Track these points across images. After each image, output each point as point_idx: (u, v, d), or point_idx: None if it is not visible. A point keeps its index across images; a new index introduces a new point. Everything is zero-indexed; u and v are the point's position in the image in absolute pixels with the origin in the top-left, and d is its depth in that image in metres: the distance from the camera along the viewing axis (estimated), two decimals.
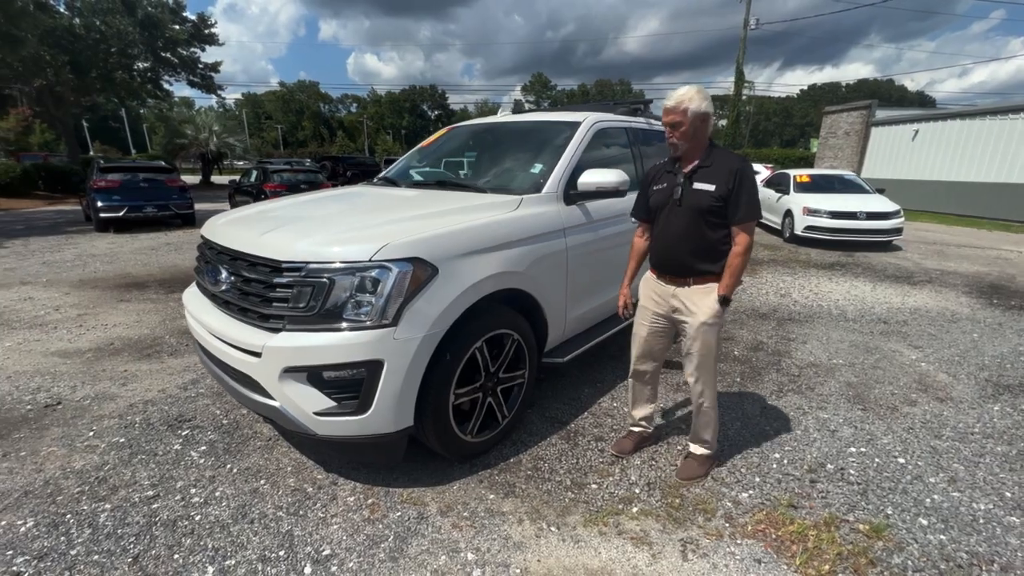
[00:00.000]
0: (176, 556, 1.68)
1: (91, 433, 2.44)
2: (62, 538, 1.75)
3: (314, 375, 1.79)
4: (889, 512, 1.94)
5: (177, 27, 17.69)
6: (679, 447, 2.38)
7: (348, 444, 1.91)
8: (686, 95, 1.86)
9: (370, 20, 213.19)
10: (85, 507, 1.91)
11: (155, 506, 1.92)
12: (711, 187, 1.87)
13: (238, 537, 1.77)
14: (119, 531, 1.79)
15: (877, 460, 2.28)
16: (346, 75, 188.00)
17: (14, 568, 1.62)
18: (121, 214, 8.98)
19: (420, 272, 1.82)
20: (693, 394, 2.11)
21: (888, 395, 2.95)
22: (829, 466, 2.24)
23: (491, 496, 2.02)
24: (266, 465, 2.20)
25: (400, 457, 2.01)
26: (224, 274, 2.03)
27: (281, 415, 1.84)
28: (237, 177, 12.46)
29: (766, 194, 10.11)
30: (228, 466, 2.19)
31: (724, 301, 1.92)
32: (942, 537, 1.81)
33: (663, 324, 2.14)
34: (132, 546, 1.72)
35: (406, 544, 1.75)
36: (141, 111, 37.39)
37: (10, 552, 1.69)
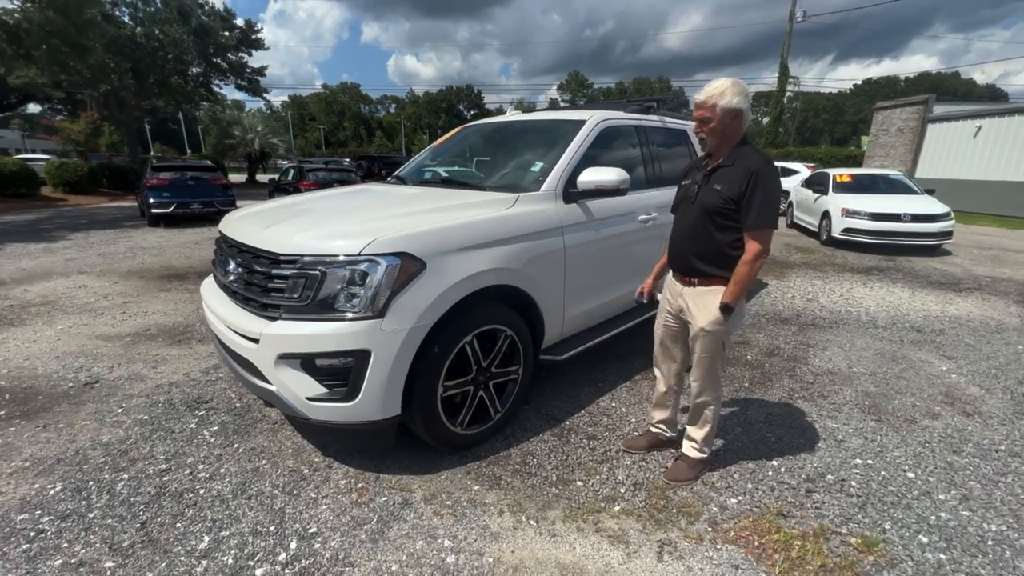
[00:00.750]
0: (178, 525, 1.82)
1: (120, 410, 2.65)
2: (83, 502, 1.93)
3: (307, 362, 1.89)
4: (887, 527, 1.85)
5: (227, 34, 18.74)
6: (675, 451, 2.35)
7: (340, 430, 2.00)
8: (717, 89, 1.79)
9: (410, 22, 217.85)
10: (106, 476, 2.09)
11: (166, 479, 2.08)
12: (723, 187, 1.80)
13: (235, 511, 1.89)
14: (132, 499, 1.95)
15: (883, 473, 2.18)
16: (386, 76, 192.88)
17: (40, 526, 1.80)
18: (170, 210, 9.60)
19: (408, 267, 1.88)
20: (691, 393, 2.08)
21: (908, 407, 2.79)
22: (829, 477, 2.15)
23: (476, 487, 2.07)
24: (269, 446, 2.33)
25: (390, 444, 2.09)
26: (232, 265, 2.17)
27: (277, 399, 1.96)
28: (276, 176, 13.06)
29: (803, 195, 9.69)
30: (235, 446, 2.33)
31: (725, 309, 1.83)
32: (942, 556, 1.72)
33: (675, 324, 2.11)
34: (142, 513, 1.87)
35: (388, 527, 1.82)
36: (197, 114, 39.79)
37: (38, 512, 1.87)
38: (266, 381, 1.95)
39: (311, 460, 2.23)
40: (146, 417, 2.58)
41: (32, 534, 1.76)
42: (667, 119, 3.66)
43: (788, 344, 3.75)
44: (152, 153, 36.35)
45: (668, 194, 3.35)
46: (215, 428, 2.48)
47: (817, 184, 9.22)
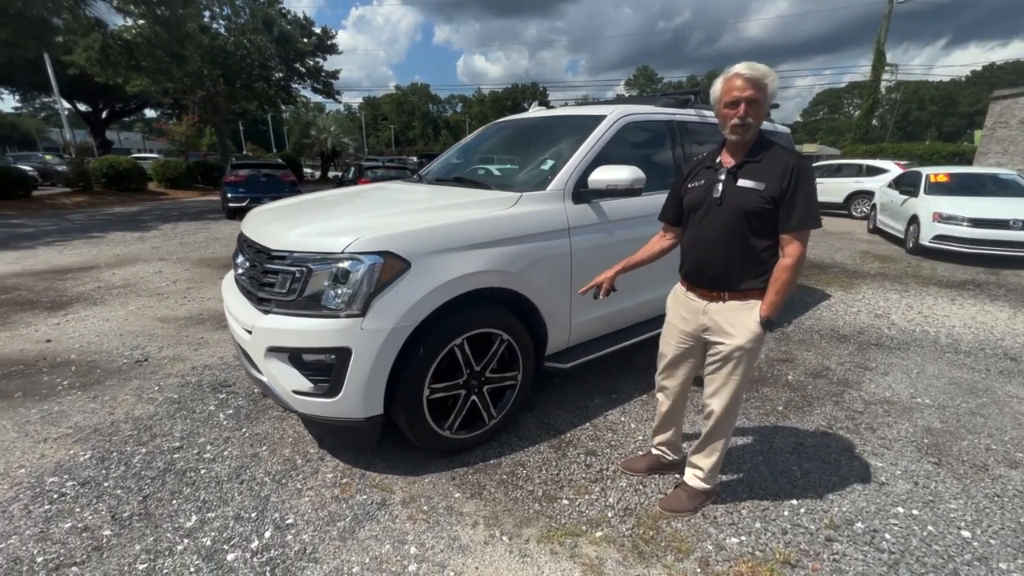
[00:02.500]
0: (174, 501, 1.93)
1: (156, 388, 2.90)
2: (103, 471, 2.12)
3: (295, 356, 1.93)
4: None
5: (305, 40, 20.17)
6: (676, 473, 2.15)
7: (327, 424, 2.03)
8: (767, 70, 1.58)
9: (480, 23, 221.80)
10: (128, 448, 2.29)
11: (176, 456, 2.23)
12: (760, 185, 1.59)
13: (226, 494, 1.98)
14: (143, 472, 2.11)
15: (931, 528, 1.84)
16: (455, 76, 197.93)
17: (63, 490, 2.00)
18: (245, 204, 10.46)
19: (391, 266, 1.86)
20: (704, 416, 1.87)
21: (980, 450, 2.36)
22: (859, 525, 1.86)
23: (457, 494, 2.01)
24: (273, 433, 2.43)
25: (373, 442, 2.09)
26: (241, 259, 2.27)
27: (268, 389, 2.02)
28: (340, 173, 13.83)
29: (890, 196, 8.63)
30: (243, 430, 2.46)
31: (768, 324, 1.64)
32: None
33: (691, 345, 1.87)
34: (147, 487, 2.02)
35: (360, 527, 1.82)
36: (284, 115, 43.24)
37: (65, 476, 2.08)
38: (259, 371, 2.02)
39: (306, 451, 2.29)
40: (175, 396, 2.79)
41: (55, 496, 1.96)
42: (706, 113, 3.37)
43: (841, 365, 3.32)
44: (245, 151, 40.11)
45: None
46: (230, 411, 2.63)
47: (907, 184, 8.15)
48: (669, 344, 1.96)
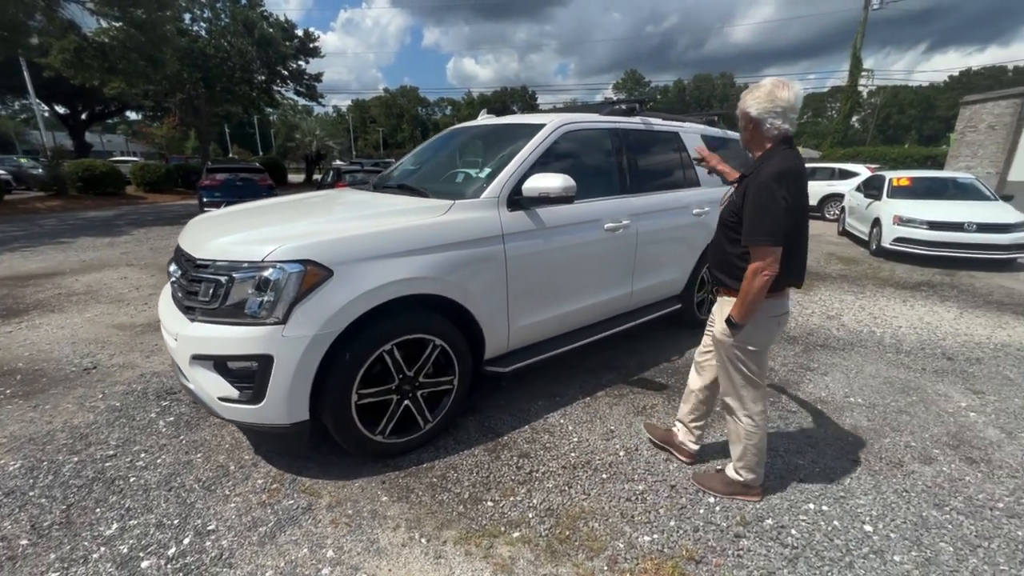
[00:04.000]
0: (98, 510, 1.94)
1: (100, 396, 2.89)
2: (30, 480, 2.11)
3: (220, 363, 1.96)
4: None
5: (287, 43, 20.08)
6: (603, 475, 2.20)
7: (256, 430, 2.06)
8: (747, 92, 1.75)
9: (469, 26, 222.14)
10: (60, 457, 2.28)
11: (108, 464, 2.24)
12: (737, 198, 1.78)
13: (151, 501, 1.99)
14: (71, 481, 2.11)
15: (836, 523, 1.92)
16: (445, 79, 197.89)
17: None
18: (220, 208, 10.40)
19: (313, 273, 1.89)
20: (722, 408, 2.06)
21: (900, 447, 2.45)
22: (768, 522, 1.93)
23: (384, 498, 2.05)
24: (211, 440, 2.44)
25: (303, 447, 2.12)
26: (174, 267, 2.29)
27: (196, 396, 2.04)
28: (319, 176, 13.77)
29: (856, 199, 8.83)
30: (181, 437, 2.46)
31: (728, 323, 1.80)
32: None
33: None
34: (73, 495, 2.02)
35: (281, 531, 1.85)
36: (272, 118, 42.89)
37: None
38: (186, 378, 2.04)
39: (241, 457, 2.30)
40: (118, 404, 2.79)
41: None
42: (653, 121, 3.46)
43: (784, 366, 3.41)
44: (231, 154, 39.67)
45: (646, 201, 3.21)
46: (171, 419, 2.63)
47: (872, 188, 8.37)
48: (710, 328, 2.12)
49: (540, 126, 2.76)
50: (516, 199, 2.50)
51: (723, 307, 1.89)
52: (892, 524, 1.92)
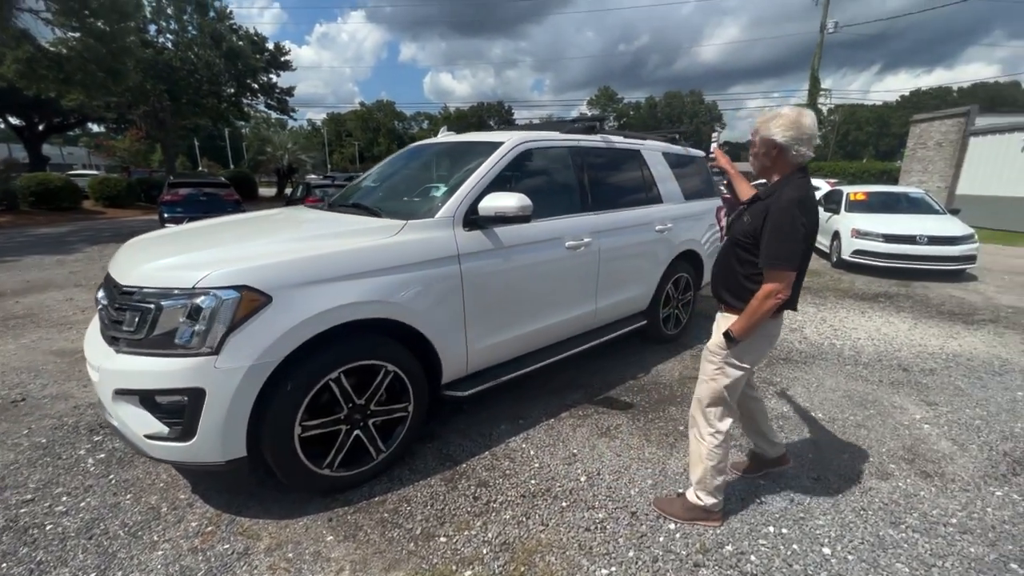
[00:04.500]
0: (3, 564, 1.75)
1: (26, 432, 2.66)
2: None
3: (147, 398, 1.81)
4: None
5: (257, 56, 19.78)
6: (562, 503, 2.12)
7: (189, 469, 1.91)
8: (768, 118, 1.77)
9: (446, 42, 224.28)
10: None
11: (23, 510, 2.04)
12: (749, 220, 1.80)
13: (67, 552, 1.81)
14: None
15: (795, 547, 1.89)
16: (422, 94, 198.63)
17: None
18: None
19: (250, 299, 1.78)
20: (688, 424, 2.04)
21: (857, 463, 2.46)
22: (728, 548, 1.88)
23: (329, 538, 1.92)
24: (144, 479, 2.26)
25: (244, 484, 1.98)
26: (102, 293, 2.13)
27: (121, 434, 1.88)
28: (289, 191, 13.48)
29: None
30: (111, 476, 2.28)
31: (726, 337, 1.81)
32: None
33: None
34: None
35: None
36: (244, 131, 42.06)
37: None
38: (109, 415, 1.88)
39: (176, 497, 2.14)
40: (44, 440, 2.57)
41: None
42: (614, 139, 3.48)
43: None
44: (200, 167, 38.59)
45: (608, 218, 3.20)
46: (102, 456, 2.44)
47: (832, 202, 8.67)
48: None
49: (498, 144, 2.73)
50: (473, 218, 2.44)
51: (721, 323, 1.91)
52: (850, 546, 1.90)
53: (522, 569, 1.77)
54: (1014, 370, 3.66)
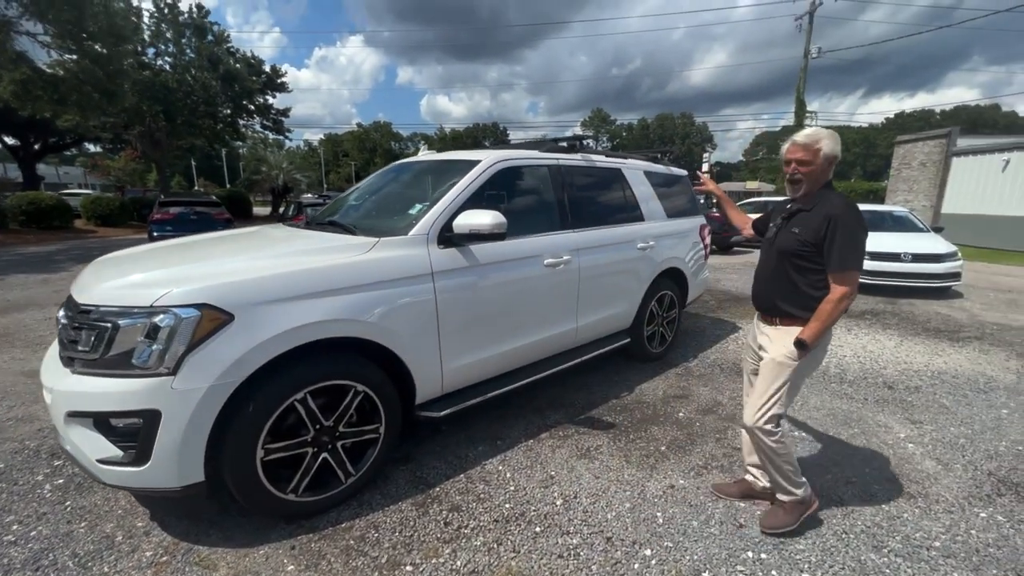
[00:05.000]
0: None
1: None
2: None
3: (100, 421, 1.75)
4: None
5: (253, 78, 20.09)
6: (536, 528, 2.05)
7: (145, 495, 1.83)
8: (820, 134, 1.86)
9: (442, 65, 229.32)
10: None
11: None
12: (801, 231, 1.86)
13: None
14: None
15: (774, 573, 1.82)
16: (419, 115, 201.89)
17: None
18: None
19: (211, 318, 1.74)
20: (753, 438, 2.01)
21: (841, 483, 2.40)
22: (705, 575, 1.81)
23: (290, 567, 1.83)
24: (101, 505, 2.17)
25: (204, 510, 1.90)
26: (62, 312, 2.08)
27: (74, 459, 1.81)
28: (281, 209, 13.51)
29: None
30: (67, 503, 2.18)
31: (799, 344, 1.84)
32: None
33: (756, 361, 2.11)
34: None
35: None
36: (241, 151, 42.40)
37: None
38: (61, 438, 1.82)
39: (132, 524, 2.05)
40: (2, 466, 2.48)
41: None
42: (594, 157, 3.51)
43: (732, 400, 3.38)
44: (197, 187, 38.73)
45: (588, 235, 3.20)
46: (60, 482, 2.34)
47: None
48: (747, 361, 2.22)
49: (475, 163, 2.73)
50: (448, 236, 2.43)
51: (782, 336, 1.92)
52: (831, 571, 1.83)
53: None
54: (999, 387, 3.64)
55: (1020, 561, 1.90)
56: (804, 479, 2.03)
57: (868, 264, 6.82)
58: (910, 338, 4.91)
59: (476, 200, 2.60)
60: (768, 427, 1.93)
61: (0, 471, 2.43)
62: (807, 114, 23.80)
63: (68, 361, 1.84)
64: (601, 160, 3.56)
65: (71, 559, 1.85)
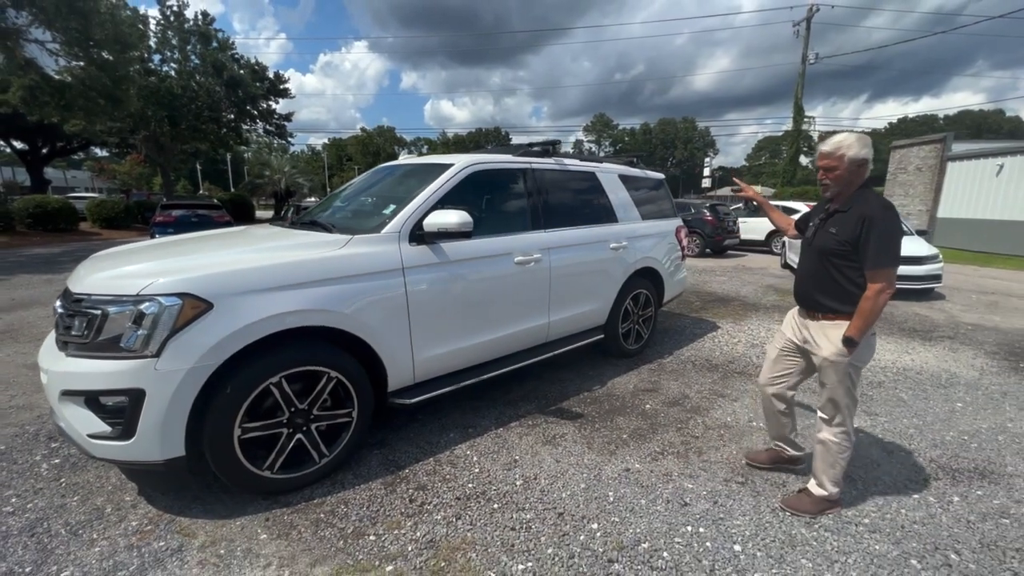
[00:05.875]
0: None
1: None
2: None
3: (91, 399, 1.92)
4: None
5: (257, 84, 20.48)
6: (495, 504, 2.21)
7: (130, 468, 2.00)
8: (844, 141, 1.98)
9: (446, 71, 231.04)
10: None
11: None
12: (838, 231, 1.98)
13: (7, 549, 1.89)
14: None
15: (708, 544, 1.97)
16: (423, 120, 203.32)
17: None
18: None
19: (192, 306, 1.91)
20: (817, 427, 2.17)
21: (767, 466, 2.54)
22: (644, 545, 1.96)
23: (263, 536, 2.00)
24: (93, 482, 2.34)
25: (188, 486, 2.06)
26: (59, 302, 2.27)
27: (66, 435, 1.99)
28: (282, 212, 13.76)
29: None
30: (62, 480, 2.36)
31: (848, 342, 1.95)
32: None
33: (791, 348, 2.27)
34: None
35: (143, 575, 1.77)
36: (246, 155, 42.96)
37: None
38: (56, 415, 1.99)
39: (121, 499, 2.22)
40: (3, 448, 2.65)
41: None
42: (567, 161, 3.68)
43: (699, 394, 3.53)
44: (202, 191, 39.27)
45: (559, 235, 3.36)
46: (57, 461, 2.52)
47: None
48: (774, 347, 2.39)
49: (447, 166, 2.91)
50: (419, 234, 2.60)
51: (828, 331, 2.05)
52: (761, 543, 1.98)
53: (442, 564, 1.85)
54: (959, 383, 3.77)
55: (941, 536, 2.04)
56: (841, 485, 2.18)
57: None
58: (883, 337, 5.04)
59: (448, 201, 2.77)
60: (836, 422, 2.09)
61: (1, 452, 2.61)
62: (805, 119, 23.98)
63: (63, 345, 2.02)
64: (574, 164, 3.73)
65: (63, 527, 2.02)
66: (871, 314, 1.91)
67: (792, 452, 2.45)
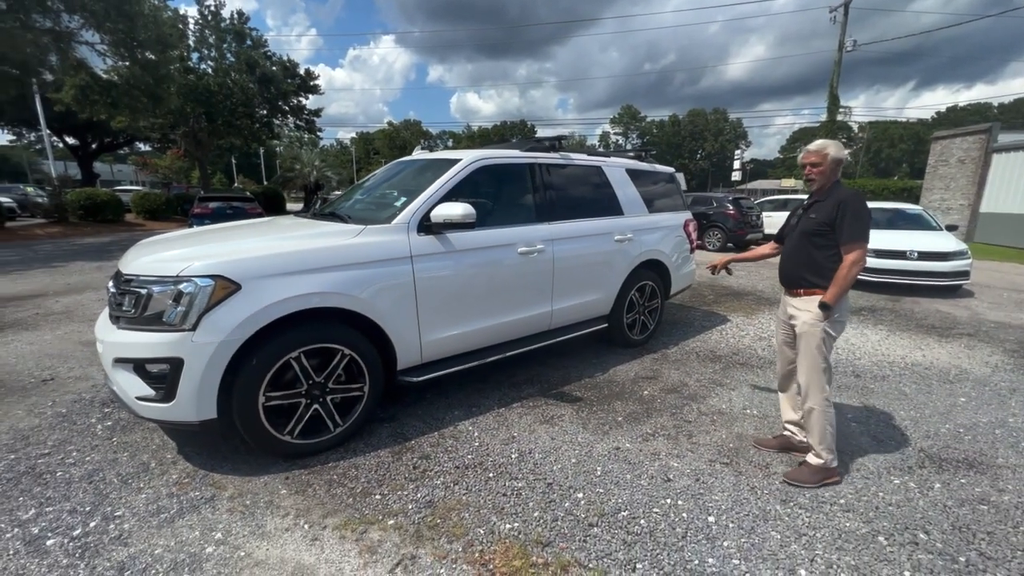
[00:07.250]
0: (20, 498, 2.16)
1: (50, 403, 3.13)
2: None
3: (139, 366, 2.22)
4: (637, 567, 1.82)
5: (288, 81, 21.18)
6: (490, 474, 2.41)
7: (171, 428, 2.29)
8: (827, 144, 2.36)
9: (472, 64, 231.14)
10: None
11: (40, 460, 2.46)
12: (818, 215, 2.34)
13: (71, 492, 2.21)
14: (2, 475, 2.33)
15: (683, 515, 2.12)
16: (449, 113, 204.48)
17: None
18: None
19: (222, 287, 2.17)
20: (803, 400, 2.41)
21: (773, 452, 2.65)
22: (624, 513, 2.13)
23: (283, 491, 2.26)
24: (140, 441, 2.66)
25: (220, 447, 2.34)
26: (112, 283, 2.58)
27: (118, 397, 2.29)
28: (312, 204, 14.29)
29: None
30: (114, 439, 2.69)
31: (823, 306, 2.26)
32: None
33: (786, 330, 2.56)
34: (1, 486, 2.24)
35: (180, 517, 2.06)
36: (278, 149, 44.37)
37: None
38: (109, 380, 2.30)
39: (163, 456, 2.52)
40: (64, 411, 3.02)
41: None
42: (574, 156, 3.81)
43: (698, 382, 3.63)
44: (236, 184, 40.94)
45: (563, 227, 3.52)
46: (109, 424, 2.86)
47: None
48: (777, 336, 2.66)
49: (455, 161, 3.10)
50: (427, 224, 2.80)
51: (808, 303, 2.35)
52: (735, 516, 2.11)
53: (438, 521, 2.06)
54: (967, 379, 3.74)
55: (915, 517, 2.13)
56: (835, 452, 2.37)
57: (873, 262, 6.82)
58: (898, 333, 4.98)
59: (455, 194, 2.96)
60: (815, 386, 2.33)
61: (63, 415, 2.97)
62: (840, 109, 23.06)
63: (115, 319, 2.32)
64: (580, 158, 3.86)
65: (115, 477, 2.33)
66: (845, 281, 2.23)
67: (802, 438, 2.59)
